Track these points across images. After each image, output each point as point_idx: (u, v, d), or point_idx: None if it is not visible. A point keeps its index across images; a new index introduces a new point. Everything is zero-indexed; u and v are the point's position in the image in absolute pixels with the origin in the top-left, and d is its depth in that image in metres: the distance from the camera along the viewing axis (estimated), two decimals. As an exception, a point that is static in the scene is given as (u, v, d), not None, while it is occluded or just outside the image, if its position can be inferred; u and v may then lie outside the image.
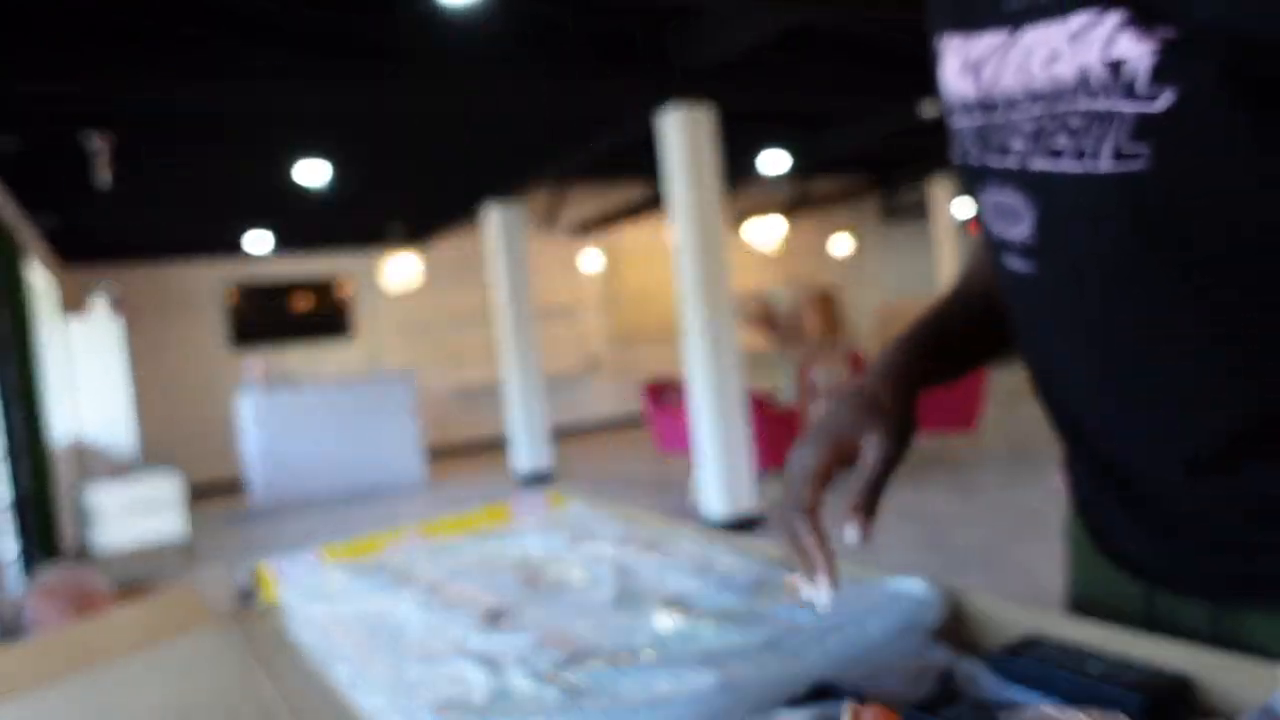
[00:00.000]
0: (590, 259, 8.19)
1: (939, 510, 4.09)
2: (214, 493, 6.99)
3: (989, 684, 0.47)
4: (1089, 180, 0.40)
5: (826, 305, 5.04)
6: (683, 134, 4.03)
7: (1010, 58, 0.42)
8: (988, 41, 0.44)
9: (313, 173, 4.77)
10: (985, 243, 0.52)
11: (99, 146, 3.54)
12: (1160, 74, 0.36)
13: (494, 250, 6.24)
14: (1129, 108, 0.37)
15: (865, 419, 0.49)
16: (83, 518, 4.03)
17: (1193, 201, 0.39)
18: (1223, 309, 0.41)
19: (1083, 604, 0.58)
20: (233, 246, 7.17)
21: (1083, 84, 0.39)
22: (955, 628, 0.55)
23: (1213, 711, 0.41)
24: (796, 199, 8.72)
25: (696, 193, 4.08)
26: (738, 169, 6.52)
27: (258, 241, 6.83)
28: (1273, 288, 0.39)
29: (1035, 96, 0.41)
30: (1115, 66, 0.37)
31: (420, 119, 4.19)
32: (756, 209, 8.89)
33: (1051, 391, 0.52)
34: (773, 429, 4.42)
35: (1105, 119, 0.39)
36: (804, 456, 0.49)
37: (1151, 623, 0.50)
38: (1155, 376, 0.42)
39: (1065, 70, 0.39)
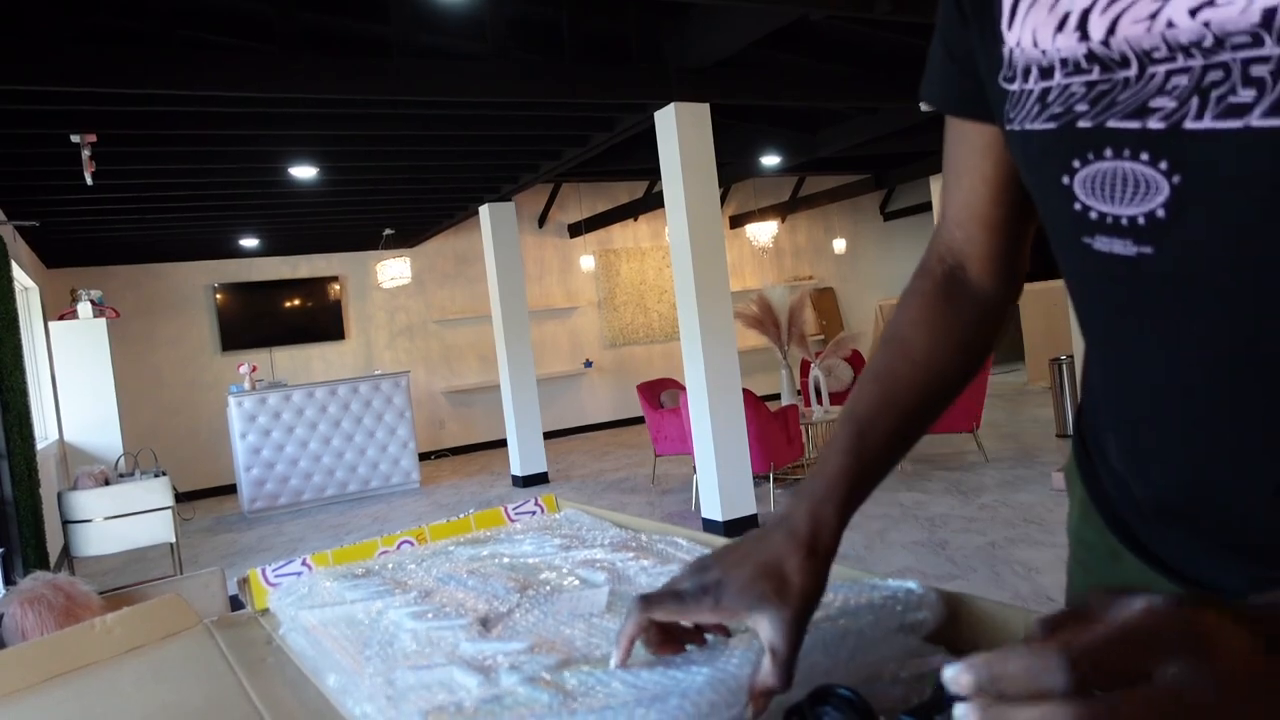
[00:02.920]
0: (585, 259, 8.17)
1: (940, 511, 4.10)
2: (203, 497, 6.93)
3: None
4: (1274, 136, 0.33)
5: (825, 304, 5.04)
6: (679, 133, 4.03)
7: (1135, 6, 0.37)
8: None
9: (303, 172, 4.74)
10: (1046, 224, 0.45)
11: (81, 147, 3.50)
12: None
13: (488, 251, 6.22)
14: None
15: (764, 599, 0.43)
16: (68, 522, 3.98)
17: None
18: None
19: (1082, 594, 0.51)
20: (221, 247, 7.12)
21: (1266, 25, 0.33)
22: (955, 631, 0.54)
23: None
24: (794, 198, 8.74)
25: (693, 192, 4.08)
26: (735, 168, 6.53)
27: (247, 242, 6.79)
28: None
29: (1183, 48, 0.35)
30: None
31: (413, 118, 4.17)
32: (754, 208, 8.91)
33: (1127, 400, 0.45)
34: (772, 429, 4.42)
35: None
36: (668, 605, 0.44)
37: None
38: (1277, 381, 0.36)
39: (1234, 12, 0.34)
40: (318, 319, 7.62)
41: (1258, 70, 0.34)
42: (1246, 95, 0.34)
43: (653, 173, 6.76)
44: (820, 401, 5.03)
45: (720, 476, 4.07)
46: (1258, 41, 0.34)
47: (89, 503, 3.99)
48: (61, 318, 5.79)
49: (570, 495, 5.28)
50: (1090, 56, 0.39)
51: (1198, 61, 0.35)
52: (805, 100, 4.46)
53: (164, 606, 0.76)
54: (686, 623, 0.46)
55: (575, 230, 8.37)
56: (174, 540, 4.08)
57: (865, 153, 6.68)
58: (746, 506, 4.15)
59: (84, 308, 5.78)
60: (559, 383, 8.40)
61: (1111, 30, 0.38)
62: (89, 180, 3.66)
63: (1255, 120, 0.34)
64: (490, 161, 5.21)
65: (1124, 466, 0.49)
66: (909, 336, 0.54)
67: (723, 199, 8.37)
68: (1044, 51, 0.41)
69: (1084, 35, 0.39)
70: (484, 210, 6.15)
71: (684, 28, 3.89)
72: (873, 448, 0.50)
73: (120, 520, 4.00)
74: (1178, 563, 0.48)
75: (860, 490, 0.49)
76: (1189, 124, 0.36)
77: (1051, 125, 0.41)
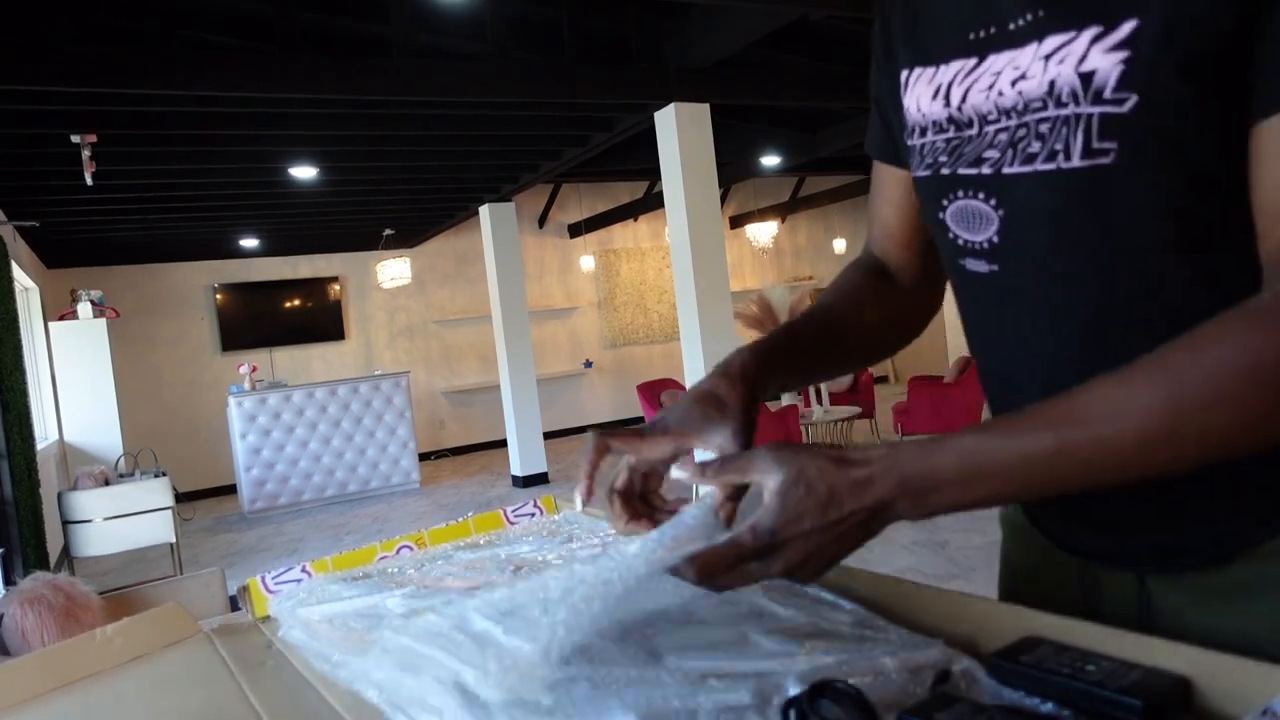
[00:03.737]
0: (585, 259, 8.18)
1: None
2: (203, 497, 6.93)
3: (987, 686, 0.46)
4: (1059, 176, 0.46)
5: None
6: (679, 133, 4.03)
7: (978, 80, 0.50)
8: (955, 68, 0.51)
9: (303, 173, 4.74)
10: (939, 247, 0.57)
11: (81, 147, 3.50)
12: (1126, 80, 0.43)
13: (488, 251, 6.23)
14: (1098, 110, 0.44)
15: (707, 417, 0.53)
16: (68, 523, 3.99)
17: (1151, 189, 0.44)
18: (1170, 292, 0.45)
19: (1017, 583, 0.65)
20: (221, 248, 7.12)
21: (1051, 95, 0.46)
22: (953, 628, 0.55)
23: (1213, 713, 0.41)
24: (794, 198, 8.74)
25: (694, 192, 4.08)
26: (735, 168, 6.53)
27: (247, 242, 6.79)
28: (1219, 270, 0.44)
29: (1006, 111, 0.48)
30: (1087, 76, 0.44)
31: (413, 118, 4.17)
32: (754, 208, 8.91)
33: (1004, 386, 0.57)
34: (772, 429, 4.42)
35: (1074, 121, 0.45)
36: (625, 434, 0.55)
37: (1084, 596, 0.57)
38: (1104, 358, 0.43)
39: (1034, 86, 0.46)
40: (318, 319, 7.62)
41: (1042, 128, 0.46)
42: (1035, 146, 0.47)
43: (653, 173, 6.76)
44: (820, 401, 5.03)
45: (720, 476, 4.07)
46: (1045, 105, 0.46)
47: (89, 503, 4.00)
48: (61, 318, 5.80)
49: (570, 496, 5.24)
50: (950, 120, 0.52)
51: (1013, 121, 0.48)
52: (805, 100, 4.46)
53: (164, 615, 0.77)
54: (644, 462, 0.56)
55: (575, 230, 8.37)
56: (174, 540, 4.09)
57: (865, 153, 6.66)
58: (746, 506, 4.15)
59: (84, 308, 5.78)
60: (559, 383, 8.40)
61: (964, 99, 0.51)
62: (89, 180, 3.67)
63: (1039, 165, 0.47)
64: (490, 161, 5.21)
65: None
66: (849, 291, 0.66)
67: (723, 199, 8.37)
68: (924, 115, 0.54)
69: (947, 103, 0.52)
70: (484, 210, 6.15)
71: (684, 28, 3.89)
72: (793, 337, 0.60)
73: (120, 520, 4.00)
74: (1058, 534, 0.58)
75: (776, 358, 0.57)
76: (1006, 169, 0.49)
77: (928, 173, 0.55)
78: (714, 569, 0.43)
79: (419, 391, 7.82)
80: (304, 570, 0.82)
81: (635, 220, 8.73)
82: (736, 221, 8.99)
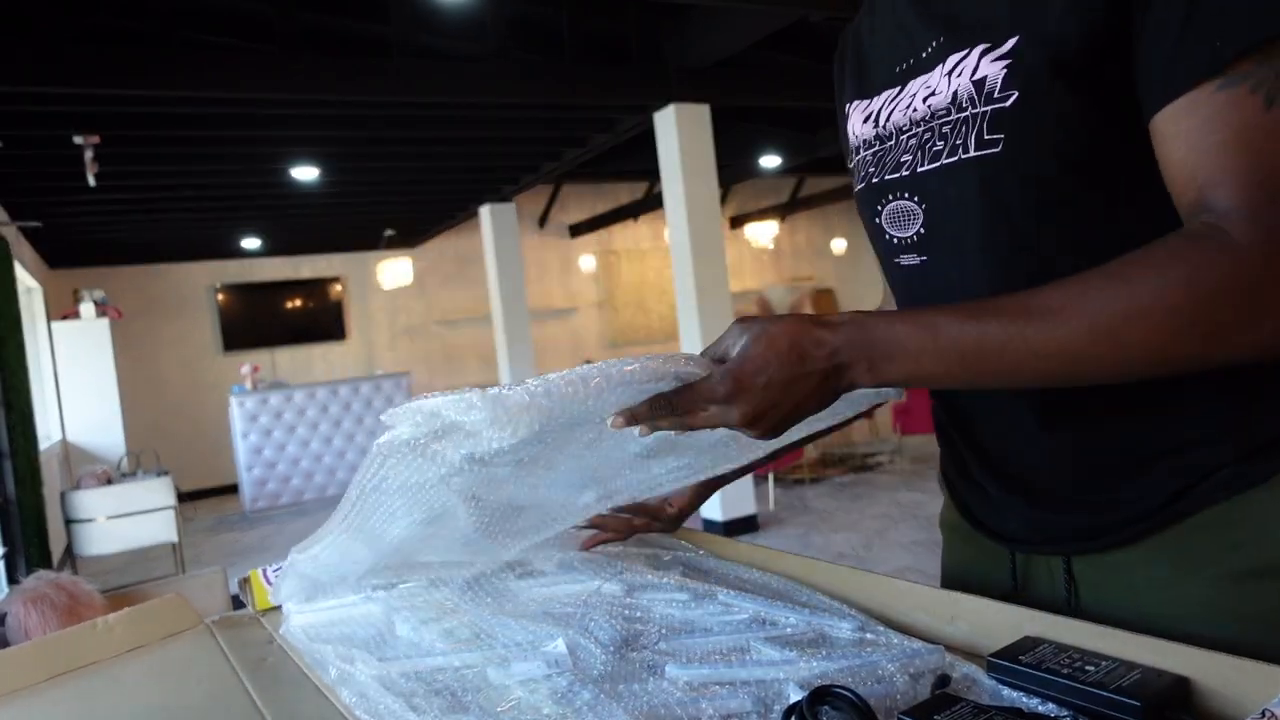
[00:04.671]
0: (586, 260, 8.17)
1: (939, 510, 4.10)
2: (205, 496, 6.94)
3: (987, 687, 0.47)
4: (958, 167, 0.53)
5: (825, 304, 5.06)
6: (679, 134, 4.03)
7: (900, 102, 0.58)
8: (885, 96, 0.60)
9: (304, 173, 4.75)
10: (879, 256, 0.65)
11: (84, 148, 3.51)
12: (1009, 81, 0.51)
13: (488, 251, 6.23)
14: (989, 108, 0.52)
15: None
16: (71, 522, 3.99)
17: (1035, 177, 0.51)
18: (1060, 275, 0.49)
19: (955, 577, 0.68)
20: (223, 248, 7.12)
21: (954, 103, 0.54)
22: (949, 631, 0.55)
23: (1212, 713, 0.41)
24: (794, 198, 8.74)
25: (693, 192, 4.08)
26: (735, 168, 6.53)
27: (248, 243, 6.79)
28: (1102, 254, 0.47)
29: (918, 122, 0.57)
30: (979, 83, 0.52)
31: (413, 119, 4.18)
32: (754, 208, 8.91)
33: None
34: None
35: (971, 120, 0.53)
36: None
37: (1014, 584, 0.61)
38: None
39: (940, 98, 0.55)
40: (319, 319, 7.62)
41: (945, 129, 0.54)
42: (940, 145, 0.55)
43: (653, 173, 6.75)
44: (821, 401, 5.02)
45: (721, 476, 4.07)
46: (949, 112, 0.54)
47: (92, 502, 4.00)
48: (64, 318, 5.80)
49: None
50: (876, 137, 0.61)
51: (923, 129, 0.56)
52: (805, 100, 4.46)
53: (165, 606, 0.77)
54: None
55: (576, 231, 8.37)
56: (176, 540, 4.09)
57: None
58: (746, 507, 4.15)
59: (87, 308, 5.79)
60: (560, 383, 8.40)
61: (888, 119, 0.60)
62: (91, 181, 3.67)
63: (944, 160, 0.55)
64: (490, 162, 5.21)
65: (954, 431, 0.64)
66: None
67: (722, 199, 8.36)
68: (857, 137, 0.64)
69: (876, 124, 0.61)
70: (484, 211, 6.15)
71: (684, 28, 3.89)
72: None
73: (123, 520, 4.01)
74: (986, 521, 0.63)
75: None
76: (919, 169, 0.56)
77: (862, 185, 0.63)
78: (679, 406, 0.47)
79: (420, 391, 7.81)
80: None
81: (635, 220, 8.73)
82: (736, 222, 8.98)
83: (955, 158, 0.54)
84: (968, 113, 0.53)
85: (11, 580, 3.52)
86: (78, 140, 3.53)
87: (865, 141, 0.62)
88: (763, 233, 7.41)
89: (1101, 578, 0.55)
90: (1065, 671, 0.43)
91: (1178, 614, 0.50)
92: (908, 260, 0.60)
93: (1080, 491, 0.56)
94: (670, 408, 0.47)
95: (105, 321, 5.79)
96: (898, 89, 0.59)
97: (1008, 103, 0.51)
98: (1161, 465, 0.52)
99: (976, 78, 0.52)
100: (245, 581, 0.80)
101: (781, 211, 8.75)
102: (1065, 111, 0.49)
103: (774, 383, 0.46)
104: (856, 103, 0.64)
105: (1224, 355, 0.43)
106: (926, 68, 0.56)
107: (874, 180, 0.61)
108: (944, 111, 0.54)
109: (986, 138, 0.52)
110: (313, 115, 3.96)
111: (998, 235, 0.54)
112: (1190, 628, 0.47)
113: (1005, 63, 0.51)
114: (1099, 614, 0.53)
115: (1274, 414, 0.50)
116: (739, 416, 0.47)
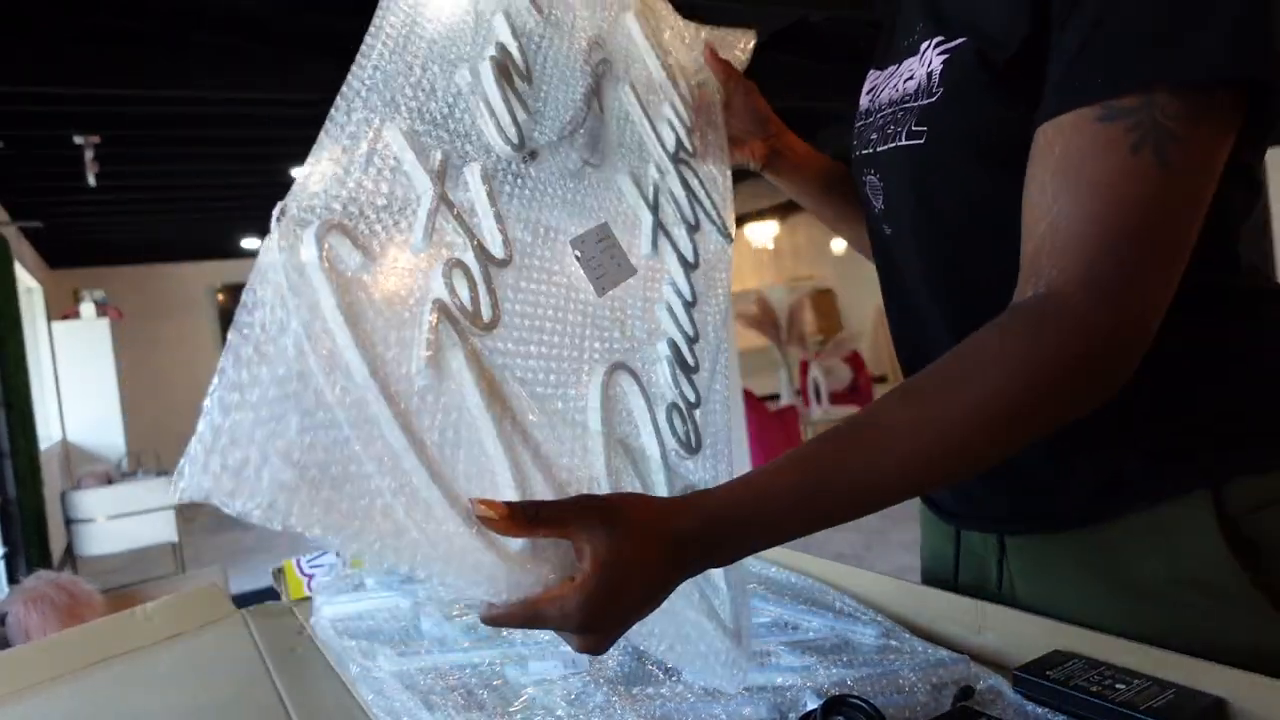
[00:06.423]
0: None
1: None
2: (205, 496, 6.93)
3: (1011, 701, 0.46)
4: (895, 153, 0.57)
5: (825, 304, 5.05)
6: (677, 134, 4.02)
7: (891, 80, 0.60)
8: (888, 71, 0.62)
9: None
10: (868, 226, 0.68)
11: (84, 148, 3.50)
12: (942, 77, 0.53)
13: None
14: (924, 101, 0.54)
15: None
16: (71, 522, 3.98)
17: (954, 171, 0.54)
18: (980, 265, 0.53)
19: (927, 565, 0.69)
20: (224, 248, 7.12)
21: (918, 90, 0.56)
22: (976, 641, 0.54)
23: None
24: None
25: (691, 193, 4.07)
26: (734, 168, 6.51)
27: (249, 243, 6.78)
28: (1006, 245, 0.48)
29: (894, 103, 0.59)
30: (929, 75, 0.54)
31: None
32: (754, 208, 8.91)
33: (906, 346, 0.64)
34: (771, 429, 4.41)
35: (912, 111, 0.55)
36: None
37: (955, 562, 0.63)
38: (967, 315, 0.48)
39: (912, 85, 0.57)
40: (319, 319, 7.63)
41: (899, 114, 0.57)
42: (891, 130, 0.58)
43: (654, 172, 6.74)
44: (820, 401, 5.02)
45: (722, 477, 4.07)
46: (913, 99, 0.56)
47: (92, 502, 4.00)
48: (65, 318, 5.79)
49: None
50: (865, 111, 0.64)
51: (889, 112, 0.59)
52: (805, 100, 4.45)
53: (202, 596, 0.80)
54: None
55: (576, 230, 8.37)
56: (176, 540, 4.09)
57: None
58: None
59: (87, 308, 5.78)
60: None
61: (880, 95, 0.62)
62: (92, 181, 3.66)
63: (889, 144, 0.58)
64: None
65: None
66: None
67: (724, 198, 8.35)
68: (860, 106, 0.66)
69: (871, 98, 0.64)
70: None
71: (686, 27, 3.88)
72: None
73: (123, 519, 4.01)
74: (932, 497, 0.65)
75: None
76: (878, 148, 0.60)
77: (854, 154, 0.66)
78: (508, 622, 0.41)
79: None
80: (337, 553, 0.83)
81: (637, 219, 8.72)
82: (736, 222, 8.97)
83: (894, 144, 0.57)
84: (912, 103, 0.56)
85: (12, 580, 3.51)
86: (78, 140, 3.52)
87: (861, 113, 0.65)
88: (763, 233, 7.40)
89: (1032, 567, 0.56)
90: (1094, 689, 0.42)
91: (1097, 616, 0.51)
92: (884, 228, 0.63)
93: (1010, 471, 0.53)
94: (498, 620, 0.40)
95: (105, 321, 5.78)
96: (895, 66, 0.61)
97: (935, 98, 0.53)
98: (1082, 462, 0.52)
99: (929, 70, 0.54)
100: (280, 572, 0.82)
101: (781, 211, 8.75)
102: (986, 115, 0.51)
103: (628, 621, 0.40)
104: (872, 73, 0.66)
105: (1069, 421, 0.44)
106: (913, 51, 0.58)
107: (858, 153, 0.65)
108: (909, 98, 0.57)
109: (914, 129, 0.55)
110: (313, 115, 3.95)
111: (931, 221, 0.57)
112: (1114, 625, 0.48)
113: (944, 59, 0.53)
114: (1027, 605, 0.54)
115: (1194, 430, 0.50)
116: (577, 646, 0.41)
